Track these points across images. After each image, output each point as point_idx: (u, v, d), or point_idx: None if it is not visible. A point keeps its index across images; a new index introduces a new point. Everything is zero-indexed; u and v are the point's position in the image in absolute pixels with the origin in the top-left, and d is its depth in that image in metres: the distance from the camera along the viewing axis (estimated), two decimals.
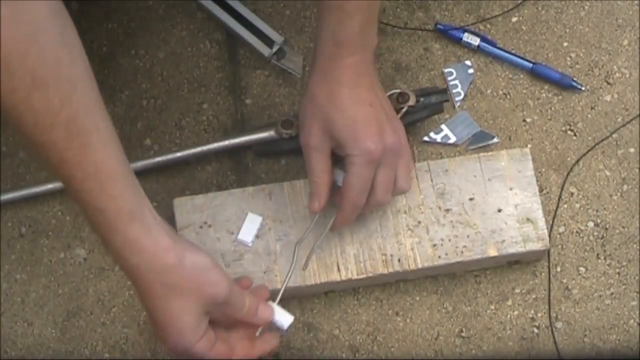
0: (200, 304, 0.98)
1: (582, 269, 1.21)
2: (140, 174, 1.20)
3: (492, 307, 1.20)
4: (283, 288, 1.08)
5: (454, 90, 1.27)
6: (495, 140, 1.25)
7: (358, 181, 1.06)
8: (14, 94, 0.83)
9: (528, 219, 1.17)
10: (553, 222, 1.22)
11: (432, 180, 1.19)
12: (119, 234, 0.93)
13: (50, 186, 1.21)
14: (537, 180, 1.21)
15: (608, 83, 1.28)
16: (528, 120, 1.26)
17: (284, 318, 1.07)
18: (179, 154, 1.22)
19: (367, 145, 1.04)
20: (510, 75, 1.28)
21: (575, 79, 1.27)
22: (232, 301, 1.01)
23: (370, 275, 1.16)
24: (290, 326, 1.07)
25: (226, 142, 1.22)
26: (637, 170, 1.25)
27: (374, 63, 1.08)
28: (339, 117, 1.05)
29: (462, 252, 1.16)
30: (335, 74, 1.05)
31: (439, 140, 1.25)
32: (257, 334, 1.06)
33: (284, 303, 1.17)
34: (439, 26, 1.29)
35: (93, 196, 0.90)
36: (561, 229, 1.22)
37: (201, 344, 0.99)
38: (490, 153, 1.21)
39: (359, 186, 1.07)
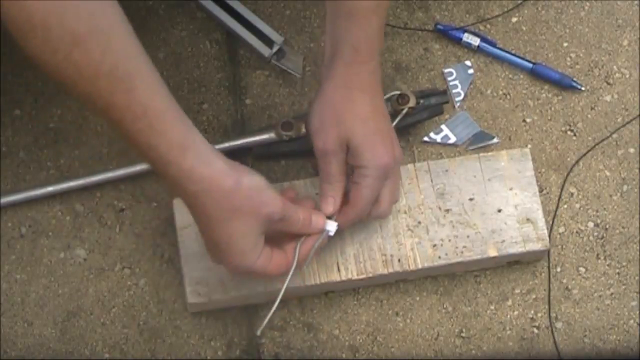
0: (258, 224, 1.00)
1: (582, 269, 1.21)
2: (141, 174, 1.21)
3: (492, 307, 1.20)
4: (284, 287, 1.07)
5: (454, 91, 1.27)
6: (495, 140, 1.25)
7: (369, 193, 1.08)
8: (56, 54, 0.86)
9: (528, 219, 1.17)
10: (553, 222, 1.22)
11: (432, 181, 1.19)
12: (173, 166, 0.94)
13: (50, 189, 1.21)
14: (537, 180, 1.21)
15: (608, 83, 1.28)
16: (528, 120, 1.26)
17: (329, 225, 1.08)
18: None
19: (384, 160, 1.06)
20: (510, 76, 1.28)
21: (575, 79, 1.27)
22: (287, 216, 1.03)
23: (370, 275, 1.16)
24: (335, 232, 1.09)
25: (226, 145, 1.21)
26: (637, 170, 1.25)
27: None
28: (360, 127, 1.06)
29: (462, 252, 1.16)
30: (355, 81, 1.06)
31: (439, 140, 1.25)
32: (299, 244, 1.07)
33: (285, 303, 1.17)
34: (439, 26, 1.29)
35: (144, 135, 0.92)
36: (561, 229, 1.22)
37: (260, 261, 1.02)
38: (490, 153, 1.21)
39: (369, 197, 1.08)
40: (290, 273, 1.06)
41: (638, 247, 1.22)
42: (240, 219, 0.99)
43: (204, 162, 0.96)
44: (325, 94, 1.07)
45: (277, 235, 1.06)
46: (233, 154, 1.24)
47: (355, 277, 1.15)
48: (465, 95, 1.27)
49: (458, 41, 1.29)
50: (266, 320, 1.05)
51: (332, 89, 1.07)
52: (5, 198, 1.21)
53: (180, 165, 0.95)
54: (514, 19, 1.30)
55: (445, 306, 1.20)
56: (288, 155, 1.23)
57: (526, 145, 1.25)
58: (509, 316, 1.20)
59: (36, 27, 0.84)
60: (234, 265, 1.03)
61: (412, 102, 1.18)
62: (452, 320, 1.19)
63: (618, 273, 1.21)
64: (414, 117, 1.21)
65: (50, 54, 0.86)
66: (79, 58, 0.87)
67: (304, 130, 1.20)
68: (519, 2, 1.31)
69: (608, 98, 1.27)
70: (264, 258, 1.03)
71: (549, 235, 1.19)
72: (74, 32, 0.86)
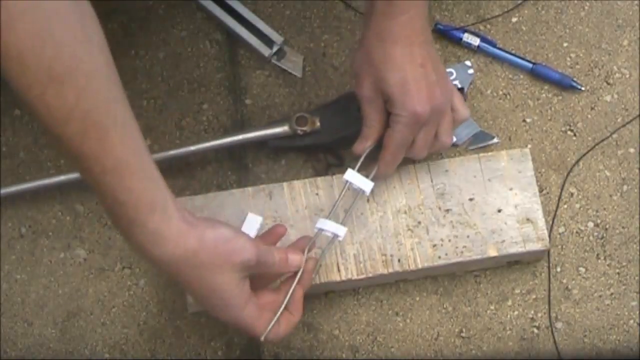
0: (235, 274, 0.99)
1: (582, 269, 1.21)
2: None
3: (492, 307, 1.20)
4: (287, 297, 1.07)
5: None
6: (495, 140, 1.25)
7: (400, 138, 1.10)
8: (29, 90, 0.83)
9: (528, 219, 1.17)
10: (553, 222, 1.22)
11: (432, 181, 1.19)
12: (138, 226, 0.93)
13: (55, 179, 1.21)
14: (537, 181, 1.21)
15: (608, 83, 1.28)
16: (528, 120, 1.26)
17: (337, 228, 1.10)
18: (193, 148, 1.21)
19: (414, 108, 1.07)
20: (510, 75, 1.28)
21: (575, 79, 1.27)
22: (263, 260, 1.02)
23: (370, 275, 1.16)
24: (345, 234, 1.11)
25: (239, 137, 1.21)
26: (637, 170, 1.25)
27: (427, 17, 1.09)
28: (391, 77, 1.07)
29: (462, 252, 1.16)
30: (389, 32, 1.06)
31: None
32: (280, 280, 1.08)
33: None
34: (439, 26, 1.29)
35: (111, 189, 0.90)
36: (561, 229, 1.22)
37: (247, 311, 1.01)
38: (490, 153, 1.21)
39: (400, 142, 1.10)
40: (280, 312, 1.06)
41: (638, 247, 1.22)
42: (214, 273, 0.98)
43: (169, 224, 0.94)
44: (363, 43, 1.09)
45: (266, 281, 1.06)
46: (234, 152, 1.24)
47: (355, 277, 1.16)
48: (465, 95, 1.27)
49: (458, 41, 1.29)
50: (262, 338, 1.06)
51: (368, 40, 1.08)
52: (5, 191, 1.20)
53: (146, 226, 0.93)
54: (514, 19, 1.30)
55: (445, 306, 1.20)
56: (302, 149, 1.23)
57: (526, 145, 1.25)
58: (509, 316, 1.20)
59: (12, 59, 0.81)
60: (225, 318, 1.02)
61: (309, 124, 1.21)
62: (452, 320, 1.19)
63: (618, 273, 1.21)
64: None
65: (24, 89, 0.83)
66: (51, 99, 0.84)
67: (318, 124, 1.21)
68: (519, 2, 1.31)
69: (608, 98, 1.27)
70: (253, 308, 1.02)
71: (549, 235, 1.19)
72: (50, 71, 0.83)
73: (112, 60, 0.89)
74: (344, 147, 1.21)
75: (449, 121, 1.13)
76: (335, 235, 1.10)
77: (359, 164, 1.13)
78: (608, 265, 1.21)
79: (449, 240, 1.16)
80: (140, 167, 0.91)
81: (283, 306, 1.05)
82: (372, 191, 1.14)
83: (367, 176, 1.13)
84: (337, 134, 1.22)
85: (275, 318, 1.05)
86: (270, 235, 1.10)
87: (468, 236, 1.17)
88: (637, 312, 1.19)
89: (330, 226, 1.10)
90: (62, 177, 1.21)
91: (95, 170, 0.89)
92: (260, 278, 1.05)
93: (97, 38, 0.87)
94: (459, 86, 1.27)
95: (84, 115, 0.86)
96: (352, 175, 1.12)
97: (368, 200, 1.16)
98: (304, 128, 1.21)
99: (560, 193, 1.24)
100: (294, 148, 1.24)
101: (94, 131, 0.87)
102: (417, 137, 1.11)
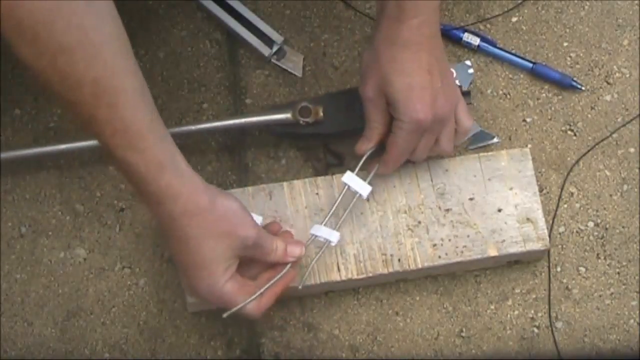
0: (231, 247, 1.02)
1: (582, 269, 1.21)
2: None
3: (492, 307, 1.20)
4: (277, 277, 1.08)
5: None
6: (495, 140, 1.25)
7: (402, 144, 1.10)
8: (41, 58, 0.88)
9: (528, 219, 1.17)
10: (553, 222, 1.22)
11: (432, 180, 1.19)
12: (151, 184, 0.97)
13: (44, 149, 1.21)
14: (537, 180, 1.21)
15: (608, 83, 1.28)
16: (528, 120, 1.26)
17: (332, 236, 1.11)
18: (193, 128, 1.22)
19: (417, 115, 1.07)
20: (510, 75, 1.28)
21: (575, 79, 1.27)
22: (261, 243, 1.05)
23: (370, 275, 1.16)
24: (338, 240, 1.12)
25: (242, 120, 1.21)
26: (637, 170, 1.25)
27: (438, 22, 1.08)
28: (396, 81, 1.07)
29: (462, 252, 1.16)
30: (399, 36, 1.06)
31: None
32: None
33: (285, 303, 1.17)
34: None
35: (122, 151, 0.94)
36: (561, 229, 1.22)
37: (229, 285, 1.03)
38: (490, 153, 1.21)
39: (403, 148, 1.11)
40: (253, 297, 1.06)
41: (638, 247, 1.22)
42: (213, 239, 1.01)
43: (182, 179, 0.98)
44: (372, 44, 1.09)
45: (255, 270, 1.08)
46: (233, 152, 1.24)
47: (355, 276, 1.15)
48: (470, 98, 1.27)
49: (458, 41, 1.29)
50: (233, 310, 1.06)
51: (378, 42, 1.08)
52: (5, 155, 1.21)
53: (159, 183, 0.97)
54: (514, 19, 1.30)
55: (445, 306, 1.20)
56: (304, 138, 1.23)
57: (526, 145, 1.25)
58: (509, 316, 1.20)
59: (25, 32, 0.86)
60: (203, 286, 1.03)
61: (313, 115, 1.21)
62: (452, 320, 1.19)
63: (618, 273, 1.21)
64: None
65: (36, 57, 0.88)
66: (63, 66, 0.89)
67: (321, 114, 1.20)
68: (519, 1, 1.31)
69: (608, 98, 1.27)
70: (233, 283, 1.04)
71: (549, 235, 1.19)
72: (61, 42, 0.88)
73: (124, 33, 0.93)
74: (345, 139, 1.21)
75: (451, 129, 1.13)
76: (328, 241, 1.11)
77: (359, 166, 1.13)
78: (608, 265, 1.21)
79: (449, 240, 1.16)
80: (149, 129, 0.95)
81: (273, 281, 1.07)
82: (372, 190, 1.14)
83: (366, 176, 1.13)
84: (339, 127, 1.21)
85: (261, 291, 1.06)
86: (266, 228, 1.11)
87: (468, 236, 1.17)
88: (637, 312, 1.19)
89: (323, 232, 1.11)
90: (62, 146, 1.21)
91: (106, 133, 0.93)
92: (247, 268, 1.06)
93: (105, 10, 0.91)
94: (463, 88, 1.26)
95: (94, 82, 0.90)
96: (350, 179, 1.12)
97: (368, 200, 1.16)
98: (307, 119, 1.21)
99: (561, 193, 1.24)
100: (295, 135, 1.23)
101: (105, 97, 0.91)
102: (419, 143, 1.11)
